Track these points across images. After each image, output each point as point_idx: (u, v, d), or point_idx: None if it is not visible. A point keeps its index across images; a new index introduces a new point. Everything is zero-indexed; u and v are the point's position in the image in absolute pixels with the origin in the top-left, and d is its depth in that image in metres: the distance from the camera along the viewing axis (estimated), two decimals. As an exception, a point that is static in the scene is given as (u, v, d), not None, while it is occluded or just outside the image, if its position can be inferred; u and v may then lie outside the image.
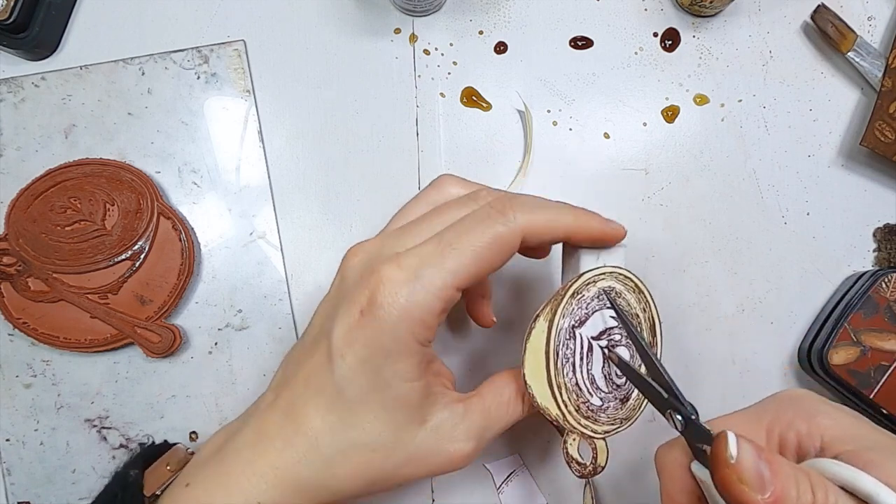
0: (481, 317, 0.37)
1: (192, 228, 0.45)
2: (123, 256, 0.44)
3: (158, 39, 0.46)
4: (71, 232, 0.44)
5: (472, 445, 0.31)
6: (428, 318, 0.28)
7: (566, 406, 0.31)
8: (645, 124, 0.47)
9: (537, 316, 0.31)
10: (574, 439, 0.32)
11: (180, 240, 0.44)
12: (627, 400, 0.33)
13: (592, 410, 0.32)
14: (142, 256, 0.44)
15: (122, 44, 0.46)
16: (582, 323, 0.32)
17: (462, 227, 0.29)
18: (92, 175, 0.44)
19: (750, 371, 0.46)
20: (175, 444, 0.44)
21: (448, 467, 0.30)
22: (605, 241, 0.33)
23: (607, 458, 0.33)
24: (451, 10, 0.47)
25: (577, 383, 0.32)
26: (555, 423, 0.32)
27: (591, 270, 0.32)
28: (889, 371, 0.42)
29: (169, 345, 0.43)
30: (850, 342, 0.42)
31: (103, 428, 0.45)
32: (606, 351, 0.32)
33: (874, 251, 0.47)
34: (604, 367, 0.32)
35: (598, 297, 0.32)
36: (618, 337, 0.33)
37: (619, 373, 0.33)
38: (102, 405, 0.45)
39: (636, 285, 0.34)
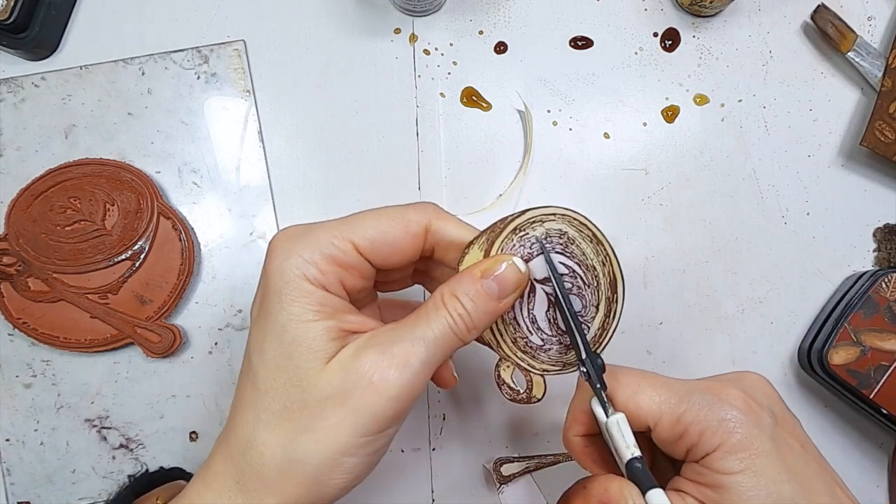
0: (443, 381, 0.35)
1: (192, 228, 0.45)
2: (123, 256, 0.44)
3: (158, 39, 0.46)
4: (71, 232, 0.44)
5: (376, 353, 0.27)
6: (317, 257, 0.28)
7: (501, 336, 0.31)
8: (645, 124, 0.47)
9: (471, 243, 0.30)
10: (508, 366, 0.32)
11: (180, 240, 0.44)
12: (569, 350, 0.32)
13: (531, 347, 0.31)
14: (142, 256, 0.44)
15: (122, 44, 0.46)
16: (523, 262, 0.30)
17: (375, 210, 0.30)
18: (92, 175, 0.44)
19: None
20: (172, 469, 0.44)
21: (375, 398, 0.26)
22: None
23: (544, 392, 0.32)
24: (451, 10, 0.47)
25: (514, 318, 0.31)
26: (489, 346, 0.31)
27: (538, 207, 0.30)
28: (889, 371, 0.42)
29: (169, 345, 0.43)
30: (850, 342, 0.42)
31: (103, 428, 0.45)
32: (552, 296, 0.31)
33: (874, 251, 0.47)
34: (548, 310, 0.31)
35: (545, 238, 0.30)
36: (568, 285, 0.31)
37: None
38: (102, 405, 0.45)
39: (594, 234, 0.31)
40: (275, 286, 0.28)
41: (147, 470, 0.45)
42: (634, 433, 0.28)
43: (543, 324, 0.31)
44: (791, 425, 0.29)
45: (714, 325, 0.46)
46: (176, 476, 0.44)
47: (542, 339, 0.31)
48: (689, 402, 0.28)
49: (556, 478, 0.45)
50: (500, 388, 0.32)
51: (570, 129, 0.47)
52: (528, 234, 0.30)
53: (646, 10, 0.47)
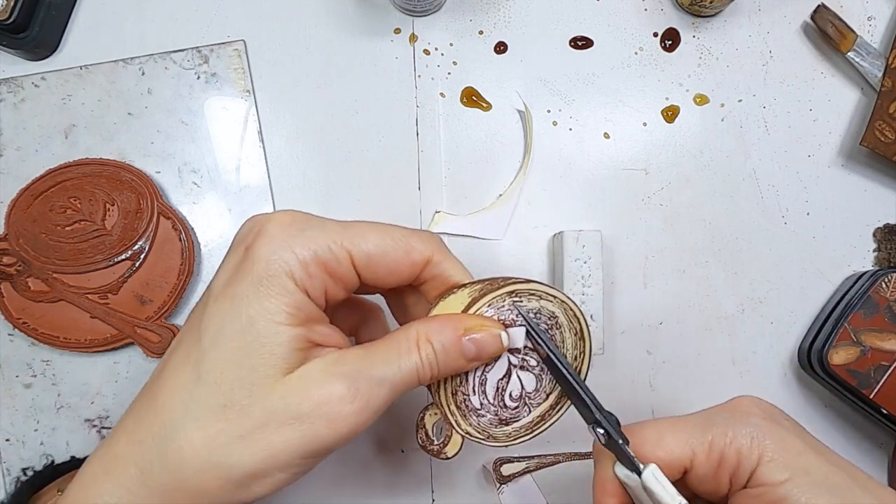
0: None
1: (192, 228, 0.45)
2: (123, 256, 0.44)
3: (158, 39, 0.46)
4: (71, 232, 0.44)
5: (343, 387, 0.25)
6: (309, 258, 0.26)
7: (443, 383, 0.30)
8: (645, 124, 0.47)
9: (464, 286, 0.30)
10: (435, 413, 0.32)
11: (180, 240, 0.44)
12: (506, 425, 0.31)
13: (467, 407, 0.31)
14: (142, 256, 0.44)
15: (122, 44, 0.46)
16: (504, 327, 0.29)
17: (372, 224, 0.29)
18: (92, 175, 0.44)
19: (750, 371, 0.46)
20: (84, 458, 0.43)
21: (328, 432, 0.25)
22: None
23: (457, 452, 0.32)
24: (451, 10, 0.47)
25: (465, 374, 0.30)
26: (427, 386, 0.30)
27: (543, 284, 0.30)
28: (889, 371, 0.42)
29: (169, 345, 0.43)
30: (850, 342, 0.42)
31: (103, 428, 0.45)
32: (516, 366, 0.30)
33: (874, 251, 0.47)
34: (501, 380, 0.30)
35: (536, 314, 0.30)
36: (533, 362, 0.31)
37: (513, 396, 0.31)
38: (102, 405, 0.45)
39: (581, 331, 0.31)
40: (256, 273, 0.26)
41: (53, 462, 0.43)
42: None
43: (490, 390, 0.31)
44: (802, 427, 0.29)
45: (714, 325, 0.46)
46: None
47: (481, 404, 0.31)
48: (713, 426, 0.27)
49: (556, 478, 0.45)
50: (417, 432, 0.32)
51: (570, 129, 0.47)
52: (521, 302, 0.30)
53: (646, 10, 0.47)
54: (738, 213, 0.47)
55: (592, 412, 0.28)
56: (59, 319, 0.44)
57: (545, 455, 0.45)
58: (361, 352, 0.27)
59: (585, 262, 0.43)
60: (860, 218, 0.47)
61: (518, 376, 0.30)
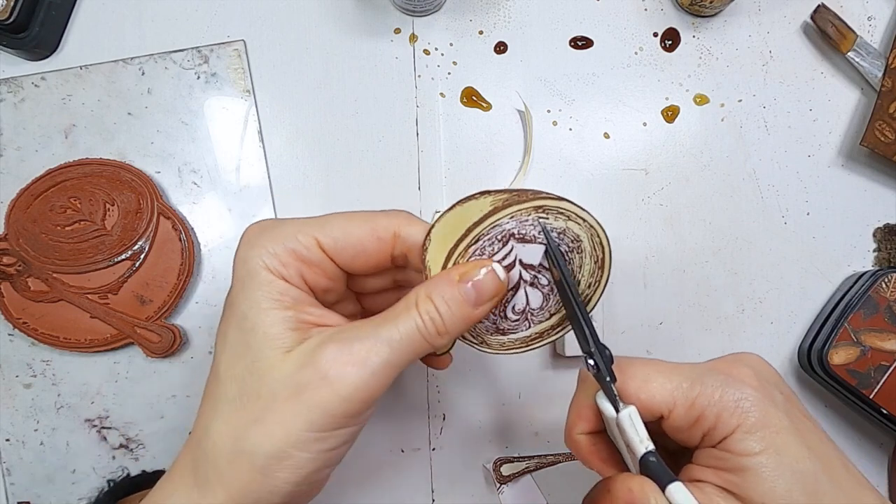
0: (435, 362, 0.35)
1: (192, 228, 0.45)
2: (123, 256, 0.44)
3: (158, 39, 0.46)
4: (71, 232, 0.44)
5: (337, 348, 0.26)
6: (280, 249, 0.28)
7: None
8: (645, 124, 0.47)
9: (488, 192, 0.29)
10: None
11: (180, 240, 0.44)
12: (502, 335, 0.31)
13: None
14: (142, 256, 0.44)
15: (122, 44, 0.46)
16: (523, 241, 0.28)
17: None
18: (92, 175, 0.44)
19: (750, 371, 0.46)
20: (155, 472, 0.44)
21: (328, 395, 0.25)
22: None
23: (448, 350, 0.32)
24: (451, 10, 0.47)
25: None
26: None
27: (574, 204, 0.29)
28: (889, 371, 0.42)
29: (169, 345, 0.43)
30: (850, 342, 0.42)
31: (103, 428, 0.45)
32: (528, 278, 0.30)
33: (874, 251, 0.47)
34: (509, 292, 0.30)
35: (560, 234, 0.29)
36: (544, 281, 0.30)
37: (516, 310, 0.30)
38: (102, 405, 0.45)
39: (601, 259, 0.30)
40: (239, 275, 0.28)
41: (129, 474, 0.45)
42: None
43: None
44: (797, 402, 0.28)
45: (714, 325, 0.46)
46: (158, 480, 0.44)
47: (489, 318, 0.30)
48: (701, 385, 0.27)
49: (556, 478, 0.45)
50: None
51: (570, 129, 0.47)
52: (547, 219, 0.28)
53: (646, 10, 0.47)
54: (738, 213, 0.47)
55: (588, 343, 0.28)
56: (59, 319, 0.44)
57: (545, 455, 0.45)
58: (361, 322, 0.28)
59: None
60: (860, 218, 0.47)
61: (526, 292, 0.30)
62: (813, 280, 0.46)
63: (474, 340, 0.31)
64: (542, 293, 0.30)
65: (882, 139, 0.44)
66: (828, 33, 0.46)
